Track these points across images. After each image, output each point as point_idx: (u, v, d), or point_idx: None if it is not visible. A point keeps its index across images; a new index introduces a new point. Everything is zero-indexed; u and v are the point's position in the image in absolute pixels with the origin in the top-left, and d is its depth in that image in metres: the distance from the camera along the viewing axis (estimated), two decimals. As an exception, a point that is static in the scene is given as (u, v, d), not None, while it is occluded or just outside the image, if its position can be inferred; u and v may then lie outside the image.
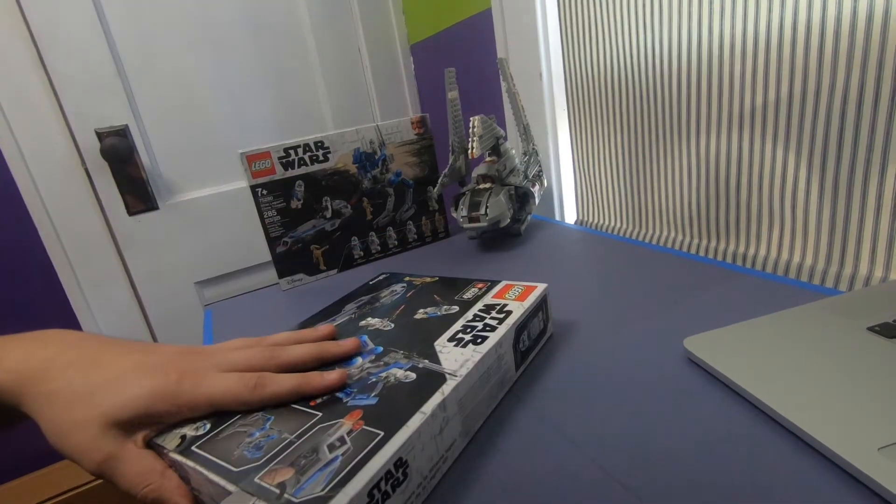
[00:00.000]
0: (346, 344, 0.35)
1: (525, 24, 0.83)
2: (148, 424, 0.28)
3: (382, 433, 0.26)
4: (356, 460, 0.24)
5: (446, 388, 0.29)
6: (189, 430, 0.28)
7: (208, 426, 0.28)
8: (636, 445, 0.29)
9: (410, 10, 1.21)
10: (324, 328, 0.38)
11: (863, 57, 0.44)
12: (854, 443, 0.25)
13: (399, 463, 0.25)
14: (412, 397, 0.29)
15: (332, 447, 0.25)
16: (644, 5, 0.63)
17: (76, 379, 0.28)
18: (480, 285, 0.43)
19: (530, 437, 0.31)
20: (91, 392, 0.27)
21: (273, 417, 0.28)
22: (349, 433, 0.26)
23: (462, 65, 1.07)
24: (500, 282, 0.43)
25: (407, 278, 0.49)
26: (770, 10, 0.50)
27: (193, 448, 0.27)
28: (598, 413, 0.32)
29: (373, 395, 0.29)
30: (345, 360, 0.35)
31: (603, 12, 0.70)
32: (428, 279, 0.47)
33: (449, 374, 0.30)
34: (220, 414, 0.29)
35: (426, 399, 0.28)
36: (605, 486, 0.26)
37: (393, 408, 0.28)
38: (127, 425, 0.27)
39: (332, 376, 0.31)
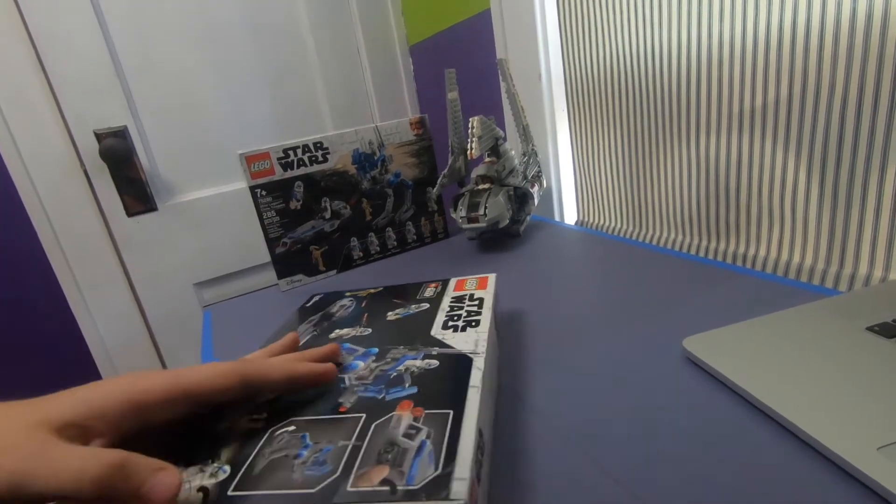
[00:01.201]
0: (325, 348, 0.33)
1: (524, 24, 0.83)
2: (105, 426, 0.22)
3: (451, 411, 0.26)
4: (447, 437, 0.24)
5: (480, 364, 0.30)
6: (205, 481, 0.24)
7: (227, 468, 0.25)
8: (636, 445, 0.29)
9: (410, 10, 1.21)
10: (289, 336, 0.36)
11: (862, 56, 0.44)
12: (853, 442, 0.25)
13: (479, 433, 0.26)
14: (451, 378, 0.29)
15: (408, 436, 0.25)
16: (643, 6, 0.63)
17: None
18: (434, 285, 0.45)
19: (530, 437, 0.31)
20: (22, 403, 0.22)
21: (308, 434, 0.27)
22: (415, 420, 0.26)
23: (461, 65, 1.07)
24: (450, 279, 0.46)
25: (348, 293, 0.48)
26: (769, 11, 0.50)
27: (229, 493, 0.23)
28: (597, 413, 0.32)
29: (407, 385, 0.30)
30: (328, 359, 0.34)
31: (602, 13, 0.70)
32: (372, 290, 0.48)
33: (470, 353, 0.32)
34: (235, 453, 0.26)
35: (466, 376, 0.29)
36: (605, 486, 0.26)
37: (439, 391, 0.28)
38: (69, 429, 0.21)
39: (324, 364, 0.31)
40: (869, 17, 0.43)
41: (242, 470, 0.25)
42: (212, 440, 0.28)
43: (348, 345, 0.37)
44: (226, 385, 0.26)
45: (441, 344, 0.34)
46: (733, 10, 0.53)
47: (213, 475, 0.25)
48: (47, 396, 0.23)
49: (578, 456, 0.29)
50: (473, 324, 0.36)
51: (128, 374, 0.25)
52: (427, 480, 0.22)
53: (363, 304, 0.44)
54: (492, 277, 0.45)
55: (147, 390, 0.24)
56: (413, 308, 0.41)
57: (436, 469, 0.22)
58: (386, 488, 0.22)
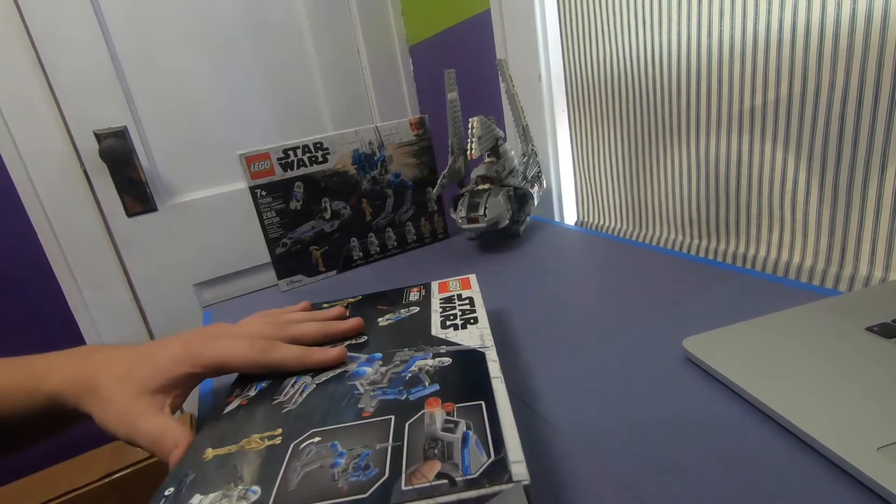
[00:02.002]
0: (351, 322, 0.37)
1: (524, 25, 0.83)
2: (176, 386, 0.32)
3: (483, 402, 0.26)
4: (488, 426, 0.24)
5: (493, 356, 0.31)
6: None
7: (257, 489, 0.24)
8: (635, 445, 0.29)
9: (409, 11, 1.21)
10: (334, 310, 0.41)
11: (862, 57, 0.44)
12: (853, 443, 0.25)
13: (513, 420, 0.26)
14: (469, 373, 0.30)
15: (448, 430, 0.25)
16: (643, 6, 0.63)
17: (110, 371, 0.32)
18: (417, 289, 0.46)
19: (530, 437, 0.31)
20: (128, 374, 0.32)
21: (338, 442, 0.26)
22: (449, 414, 0.26)
23: (461, 66, 1.07)
24: (431, 282, 0.46)
25: (325, 305, 0.47)
26: (769, 11, 0.50)
27: None
28: (597, 413, 0.32)
29: (428, 384, 0.30)
30: (349, 337, 0.37)
31: (603, 13, 0.70)
32: (351, 300, 0.47)
33: (480, 348, 0.32)
34: (259, 472, 0.25)
35: (485, 369, 0.30)
36: (605, 486, 0.26)
37: (462, 385, 0.29)
38: (159, 390, 0.31)
39: (332, 352, 0.34)
40: (869, 16, 0.43)
41: (276, 487, 0.23)
42: (224, 462, 0.26)
43: (347, 353, 0.37)
44: (252, 368, 0.33)
45: (447, 342, 0.34)
46: (733, 9, 0.53)
47: (241, 497, 0.23)
48: (143, 357, 0.33)
49: (578, 456, 0.29)
50: (472, 321, 0.37)
51: (183, 344, 0.33)
52: (483, 468, 0.22)
53: (348, 314, 0.44)
54: (473, 277, 0.46)
55: (203, 365, 0.32)
56: (403, 312, 0.41)
57: (488, 456, 0.23)
58: (444, 481, 0.22)
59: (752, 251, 0.60)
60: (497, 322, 0.47)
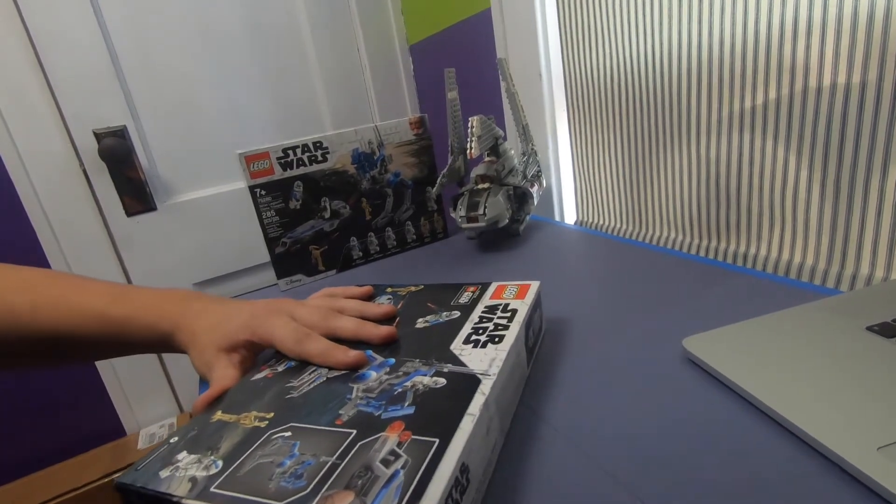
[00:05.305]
0: (383, 331, 0.37)
1: (524, 24, 0.83)
2: (240, 347, 0.38)
3: (437, 440, 0.25)
4: (422, 471, 0.23)
5: (485, 388, 0.29)
6: (198, 472, 0.25)
7: (220, 464, 0.26)
8: (635, 445, 0.29)
9: (409, 10, 1.21)
10: (384, 308, 0.42)
11: (864, 56, 0.44)
12: (853, 442, 0.24)
13: (463, 468, 0.24)
14: (452, 401, 0.28)
15: (386, 462, 0.24)
16: (643, 6, 0.63)
17: (203, 322, 0.39)
18: (472, 289, 0.43)
19: (530, 438, 0.31)
20: (212, 329, 0.38)
21: (299, 442, 0.26)
22: (399, 445, 0.25)
23: (461, 65, 1.07)
24: (490, 283, 0.43)
25: (389, 289, 0.47)
26: (770, 11, 0.50)
27: (212, 489, 0.24)
28: (597, 413, 0.32)
29: (407, 404, 0.28)
30: (380, 344, 0.36)
31: (602, 13, 0.70)
32: (413, 288, 0.46)
33: (480, 374, 0.30)
34: (232, 449, 0.27)
35: (468, 401, 0.28)
36: (605, 486, 0.26)
37: (435, 414, 0.27)
38: (227, 349, 0.37)
39: (351, 355, 0.34)
40: (870, 15, 0.43)
41: (231, 469, 0.25)
42: (220, 428, 0.29)
43: (370, 352, 0.36)
44: (287, 353, 0.37)
45: (455, 360, 0.32)
46: (733, 9, 0.53)
47: (206, 467, 0.26)
48: (222, 317, 0.39)
49: (578, 456, 0.29)
50: (497, 339, 0.34)
51: (251, 314, 0.39)
52: None
53: (398, 306, 0.43)
54: (534, 286, 0.41)
55: (259, 336, 0.37)
56: (444, 316, 0.39)
57: None
58: None
59: (752, 250, 0.60)
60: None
